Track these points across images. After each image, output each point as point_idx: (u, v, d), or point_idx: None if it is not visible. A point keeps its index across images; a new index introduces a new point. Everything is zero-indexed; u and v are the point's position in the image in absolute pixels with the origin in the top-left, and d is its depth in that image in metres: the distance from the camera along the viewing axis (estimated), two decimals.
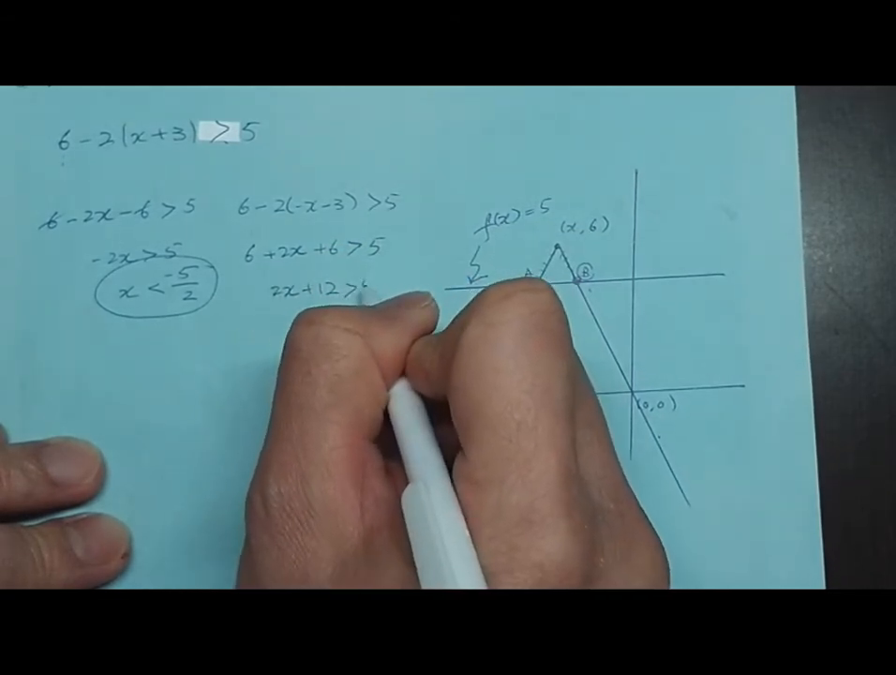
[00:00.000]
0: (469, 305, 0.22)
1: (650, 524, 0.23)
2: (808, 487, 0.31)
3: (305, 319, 0.24)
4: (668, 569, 0.23)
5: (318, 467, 0.22)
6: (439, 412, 0.23)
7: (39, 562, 0.27)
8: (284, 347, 0.24)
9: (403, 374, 0.24)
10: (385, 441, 0.24)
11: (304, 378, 0.23)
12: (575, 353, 0.24)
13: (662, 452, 0.31)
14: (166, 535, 0.30)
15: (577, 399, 0.22)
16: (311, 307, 0.24)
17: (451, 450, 0.22)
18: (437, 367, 0.23)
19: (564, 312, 0.22)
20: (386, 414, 0.24)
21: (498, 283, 0.22)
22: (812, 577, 0.30)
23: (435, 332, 0.26)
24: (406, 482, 0.22)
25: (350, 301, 0.31)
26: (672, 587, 0.30)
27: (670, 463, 0.31)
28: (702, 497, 0.30)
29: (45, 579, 0.27)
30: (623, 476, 0.24)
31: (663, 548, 0.23)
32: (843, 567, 0.31)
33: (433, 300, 0.26)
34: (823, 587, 0.30)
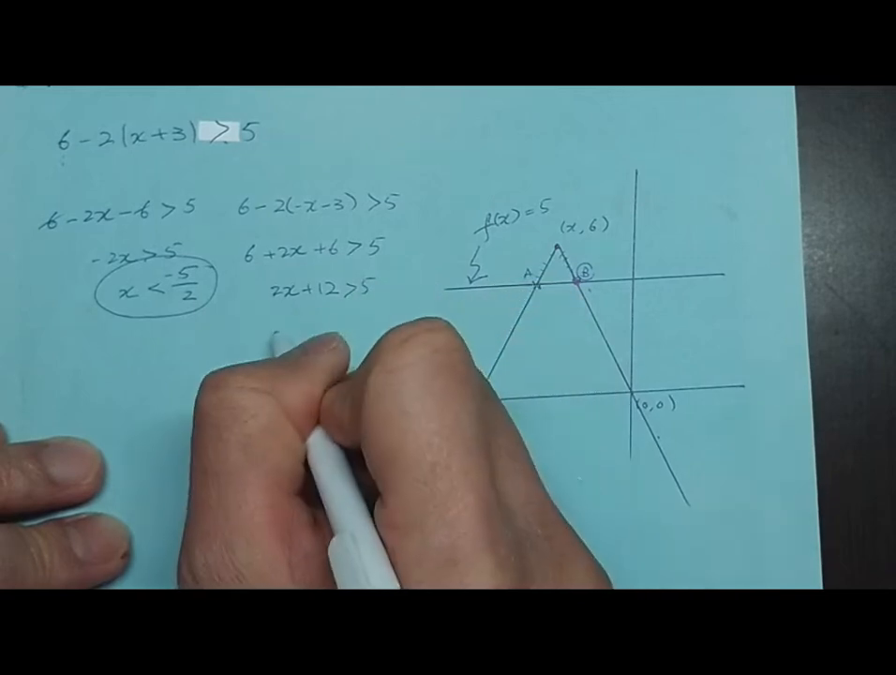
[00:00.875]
0: (370, 351, 0.22)
1: (583, 543, 0.23)
2: (807, 487, 0.31)
3: (210, 383, 0.23)
4: (608, 583, 0.23)
5: (241, 532, 0.22)
6: (358, 458, 0.23)
7: (39, 562, 0.27)
8: (194, 414, 0.23)
9: (318, 422, 0.24)
10: (310, 491, 0.24)
11: (216, 443, 0.23)
12: (489, 387, 0.24)
13: (661, 452, 0.31)
14: (166, 535, 0.30)
15: (493, 431, 0.22)
16: (216, 369, 0.24)
17: (373, 495, 0.22)
18: (347, 417, 0.22)
19: (466, 349, 0.22)
20: (307, 465, 0.24)
21: (397, 327, 0.22)
22: (809, 577, 0.30)
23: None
24: (332, 532, 0.22)
25: (351, 301, 0.31)
26: (671, 587, 0.30)
27: (669, 463, 0.31)
28: (701, 497, 0.30)
29: (45, 579, 0.27)
30: (549, 500, 0.24)
31: (597, 564, 0.23)
32: (842, 567, 0.31)
33: (341, 340, 0.26)
34: (820, 587, 0.30)
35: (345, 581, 0.20)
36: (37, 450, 0.29)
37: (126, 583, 0.30)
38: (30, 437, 0.30)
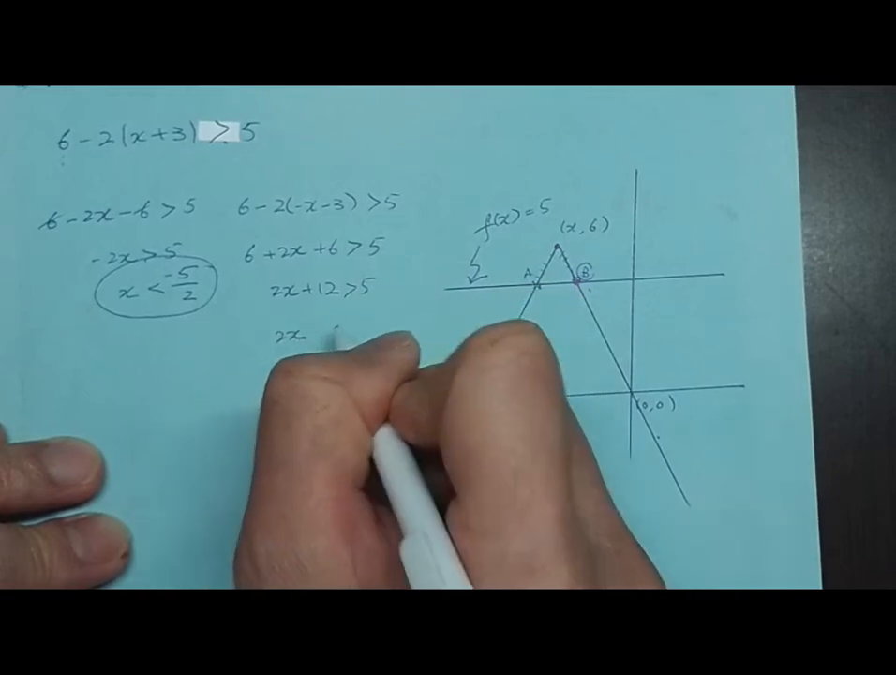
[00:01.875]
0: (456, 350, 0.21)
1: (648, 559, 0.23)
2: (807, 487, 0.31)
3: (282, 369, 0.23)
4: None
5: (305, 523, 0.22)
6: (424, 457, 0.23)
7: (39, 562, 0.27)
8: (262, 400, 0.23)
9: (386, 419, 0.24)
10: (372, 488, 0.23)
11: (284, 431, 0.22)
12: (565, 393, 0.24)
13: (661, 452, 0.31)
14: (166, 535, 0.30)
15: (570, 440, 0.22)
16: (289, 356, 0.23)
17: (439, 494, 0.22)
18: (425, 415, 0.22)
19: (554, 353, 0.22)
20: (372, 460, 0.23)
21: (485, 327, 0.21)
22: (809, 577, 0.30)
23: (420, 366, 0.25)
24: (397, 530, 0.22)
25: (351, 301, 0.31)
26: (670, 587, 0.30)
27: (670, 463, 0.31)
28: (701, 497, 0.30)
29: (45, 579, 0.27)
30: (617, 513, 0.23)
31: (662, 581, 0.23)
32: (843, 567, 0.31)
33: (413, 339, 0.26)
34: (819, 587, 0.30)
35: (419, 582, 0.20)
36: (37, 450, 0.29)
37: (126, 583, 0.30)
38: (30, 437, 0.30)
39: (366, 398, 0.23)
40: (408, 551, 0.20)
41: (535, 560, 0.19)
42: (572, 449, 0.22)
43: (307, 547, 0.21)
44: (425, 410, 0.22)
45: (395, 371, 0.24)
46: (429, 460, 0.22)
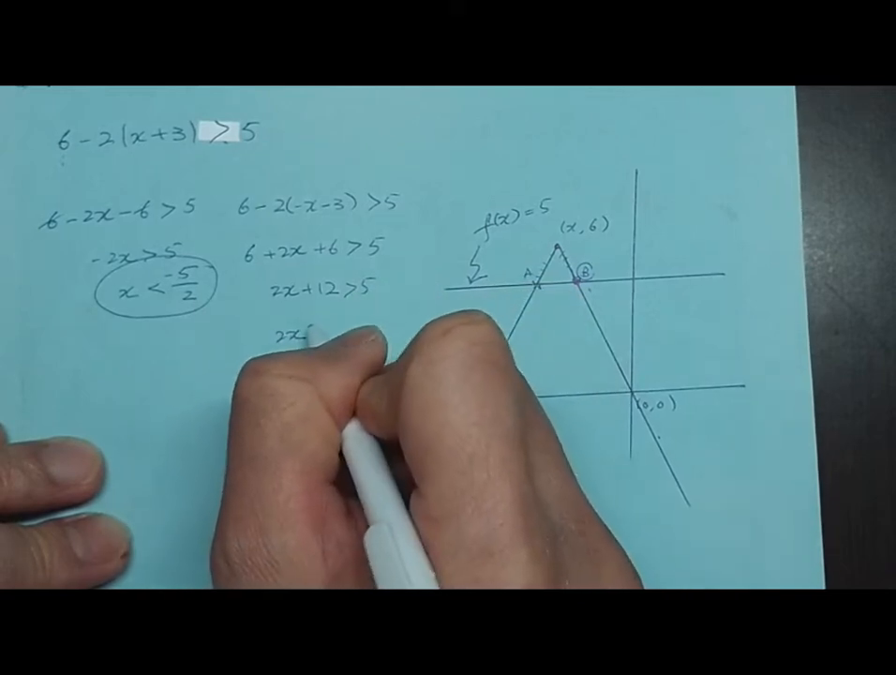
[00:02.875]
0: (410, 343, 0.22)
1: (615, 539, 0.23)
2: (808, 486, 0.31)
3: (250, 369, 0.24)
4: (639, 580, 0.23)
5: (276, 518, 0.22)
6: (392, 450, 0.23)
7: (39, 562, 0.27)
8: (232, 399, 0.24)
9: (355, 414, 0.24)
10: (344, 481, 0.24)
11: (253, 429, 0.23)
12: (525, 382, 0.24)
13: (662, 452, 0.31)
14: (166, 535, 0.30)
15: (529, 425, 0.22)
16: (257, 356, 0.24)
17: (407, 487, 0.22)
18: (384, 408, 0.23)
19: (505, 341, 0.22)
20: (342, 455, 0.24)
21: (436, 319, 0.22)
22: (811, 577, 0.30)
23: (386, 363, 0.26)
24: (366, 522, 0.22)
25: (351, 301, 0.31)
26: (672, 587, 0.30)
27: (670, 463, 0.31)
28: (702, 497, 0.30)
29: (45, 579, 0.27)
30: (583, 495, 0.24)
31: (629, 561, 0.23)
32: (843, 567, 0.31)
33: (379, 334, 0.26)
34: (823, 587, 0.30)
35: (381, 571, 0.20)
36: (37, 450, 0.29)
37: (126, 583, 0.30)
38: (30, 437, 0.30)
39: (333, 394, 0.24)
40: (371, 540, 0.21)
41: (493, 543, 0.20)
42: (531, 433, 0.22)
43: (278, 541, 0.22)
44: (385, 403, 0.22)
45: (360, 366, 0.25)
46: (397, 453, 0.22)
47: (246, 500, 0.22)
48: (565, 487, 0.23)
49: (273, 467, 0.22)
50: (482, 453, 0.20)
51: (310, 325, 0.30)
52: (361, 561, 0.21)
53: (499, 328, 0.22)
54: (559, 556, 0.21)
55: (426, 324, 0.22)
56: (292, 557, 0.22)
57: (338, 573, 0.22)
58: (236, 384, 0.24)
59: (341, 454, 0.24)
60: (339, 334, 0.30)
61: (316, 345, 0.28)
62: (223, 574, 0.22)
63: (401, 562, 0.20)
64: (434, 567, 0.20)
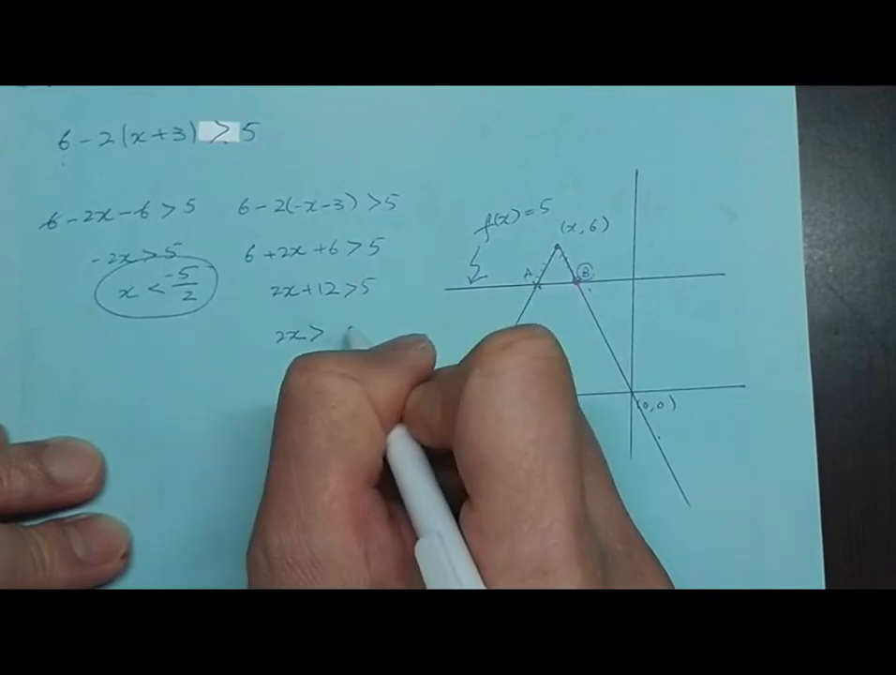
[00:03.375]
0: (469, 354, 0.22)
1: (658, 562, 0.23)
2: (808, 486, 0.31)
3: (299, 365, 0.23)
4: None
5: (319, 517, 0.22)
6: (438, 458, 0.23)
7: (39, 562, 0.27)
8: (280, 395, 0.23)
9: (400, 420, 0.24)
10: (385, 485, 0.23)
11: (300, 426, 0.22)
12: (576, 397, 0.24)
13: (662, 452, 0.31)
14: (166, 535, 0.30)
15: (582, 442, 0.22)
16: (306, 353, 0.24)
17: (453, 495, 0.22)
18: (438, 417, 0.22)
19: (566, 357, 0.22)
20: (385, 459, 0.24)
21: (497, 331, 0.22)
22: (811, 577, 0.30)
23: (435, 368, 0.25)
24: (409, 527, 0.22)
25: (351, 301, 0.31)
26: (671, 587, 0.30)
27: (670, 463, 0.31)
28: (702, 497, 0.30)
29: (45, 579, 0.27)
30: (628, 516, 0.24)
31: (671, 584, 0.23)
32: (843, 567, 0.31)
33: (429, 342, 0.26)
34: (823, 587, 0.30)
35: (435, 581, 0.20)
36: (37, 450, 0.29)
37: (126, 583, 0.30)
38: (30, 437, 0.30)
39: (382, 397, 0.23)
40: (423, 551, 0.21)
41: (547, 562, 0.19)
42: (584, 453, 0.22)
43: (321, 540, 0.22)
44: (439, 413, 0.22)
45: (410, 372, 0.24)
46: (442, 462, 0.22)
47: (289, 496, 0.22)
48: (612, 508, 0.23)
49: (319, 465, 0.22)
50: (539, 470, 0.20)
51: (350, 327, 0.30)
52: (403, 566, 0.21)
53: (559, 343, 0.22)
54: (607, 577, 0.21)
55: (487, 336, 0.21)
56: (335, 558, 0.21)
57: (380, 576, 0.22)
58: (284, 380, 0.23)
59: (385, 459, 0.24)
60: (344, 334, 0.30)
61: (356, 347, 0.27)
62: (261, 569, 0.22)
63: (454, 574, 0.20)
64: (485, 582, 0.20)
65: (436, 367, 0.25)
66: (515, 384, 0.20)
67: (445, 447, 0.22)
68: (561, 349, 0.22)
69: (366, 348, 0.26)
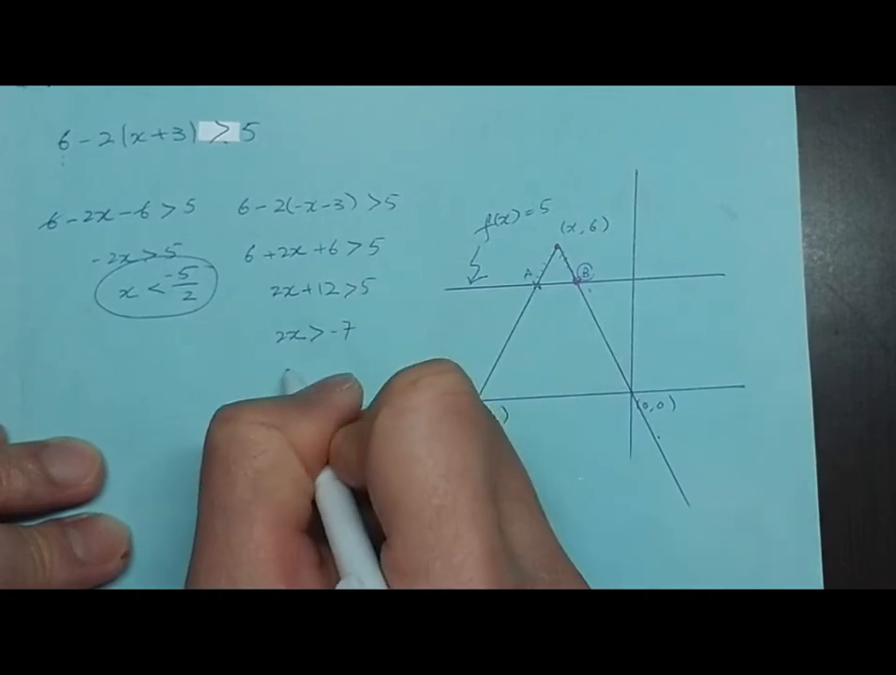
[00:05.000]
0: (378, 393, 0.22)
1: (586, 585, 0.23)
2: (807, 486, 0.31)
3: (221, 416, 0.23)
4: None
5: (245, 568, 0.22)
6: (365, 498, 0.23)
7: (39, 562, 0.27)
8: (204, 446, 0.23)
9: (328, 462, 0.24)
10: (316, 529, 0.24)
11: (224, 477, 0.23)
12: (499, 428, 0.24)
13: (661, 452, 0.31)
14: (166, 535, 0.30)
15: (502, 473, 0.22)
16: (229, 403, 0.24)
17: (380, 536, 0.22)
18: (355, 457, 0.22)
19: (474, 390, 0.22)
20: (315, 503, 0.24)
21: (404, 369, 0.22)
22: (810, 577, 0.30)
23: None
24: (338, 571, 0.22)
25: (351, 301, 0.31)
26: (671, 587, 0.30)
27: (670, 463, 0.31)
28: (702, 497, 0.30)
29: (45, 579, 0.27)
30: (557, 544, 0.23)
31: None
32: (843, 567, 0.31)
33: (355, 381, 0.26)
34: (821, 587, 0.30)
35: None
36: (37, 450, 0.29)
37: (126, 583, 0.30)
38: (30, 437, 0.30)
39: (305, 442, 0.23)
40: None
41: None
42: (504, 482, 0.22)
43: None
44: (355, 453, 0.22)
45: (333, 414, 0.24)
46: (369, 502, 0.22)
47: (216, 548, 0.22)
48: (538, 536, 0.23)
49: (244, 516, 0.22)
50: (449, 506, 0.20)
51: (287, 370, 0.30)
52: None
53: (467, 377, 0.22)
54: None
55: (395, 374, 0.22)
56: None
57: None
58: (208, 431, 0.23)
59: (314, 502, 0.24)
60: (281, 377, 0.30)
61: (291, 391, 0.27)
62: None
63: None
64: None
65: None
66: (422, 422, 0.21)
67: (366, 488, 0.22)
68: (470, 382, 0.22)
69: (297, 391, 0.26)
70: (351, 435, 0.23)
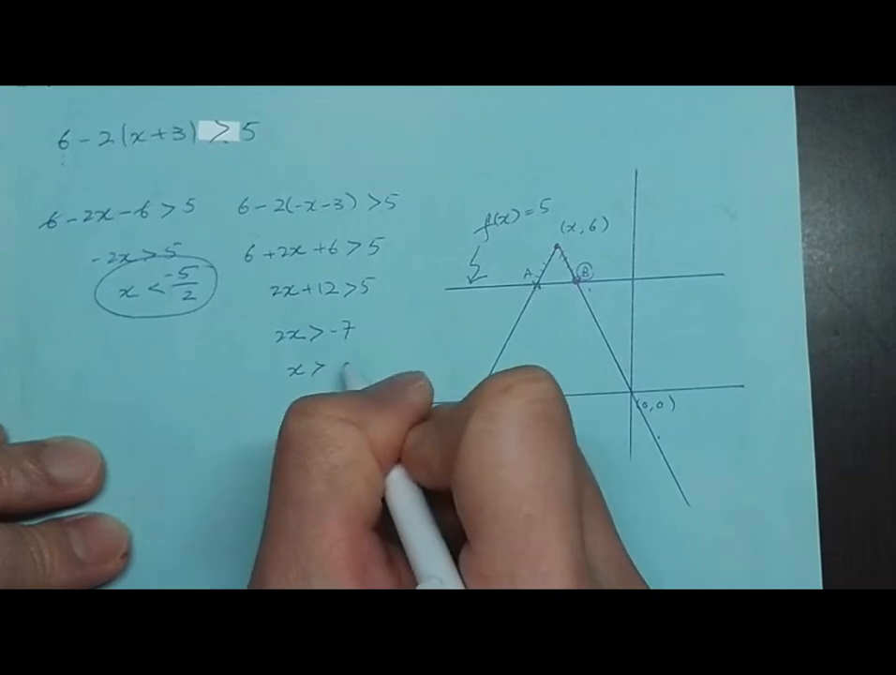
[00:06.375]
0: (468, 396, 0.22)
1: None
2: (807, 487, 0.31)
3: (297, 409, 0.23)
4: None
5: (318, 564, 0.21)
6: (436, 498, 0.23)
7: (39, 562, 0.27)
8: (278, 438, 0.23)
9: (399, 461, 0.24)
10: (385, 527, 0.23)
11: (298, 471, 0.22)
12: (575, 437, 0.24)
13: (661, 452, 0.31)
14: (166, 535, 0.30)
15: (581, 483, 0.22)
16: (305, 396, 0.23)
17: (452, 535, 0.22)
18: (437, 459, 0.22)
19: (564, 398, 0.22)
20: (384, 501, 0.24)
21: (497, 374, 0.22)
22: (809, 577, 0.30)
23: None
24: (408, 569, 0.22)
25: (351, 301, 0.31)
26: (671, 587, 0.30)
27: (670, 463, 0.31)
28: (701, 497, 0.30)
29: (45, 579, 0.27)
30: (627, 555, 0.24)
31: None
32: (842, 567, 0.31)
33: (427, 380, 0.25)
34: (820, 587, 0.30)
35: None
36: (37, 450, 0.29)
37: (126, 583, 0.30)
38: (30, 437, 0.30)
39: (380, 439, 0.23)
40: None
41: None
42: (582, 494, 0.22)
43: (320, 587, 0.21)
44: (438, 455, 0.22)
45: (408, 413, 0.24)
46: (441, 502, 0.22)
47: (287, 542, 0.22)
48: (611, 549, 0.23)
49: (317, 511, 0.22)
50: (539, 514, 0.20)
51: (346, 364, 0.30)
52: None
53: (557, 385, 0.22)
54: None
55: (486, 379, 0.22)
56: None
57: None
58: (282, 425, 0.23)
59: (383, 499, 0.23)
60: (340, 371, 0.30)
61: (352, 385, 0.27)
62: None
63: None
64: None
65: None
66: (513, 428, 0.21)
67: (444, 488, 0.22)
68: (560, 390, 0.22)
69: (363, 386, 0.26)
70: (432, 435, 0.23)
